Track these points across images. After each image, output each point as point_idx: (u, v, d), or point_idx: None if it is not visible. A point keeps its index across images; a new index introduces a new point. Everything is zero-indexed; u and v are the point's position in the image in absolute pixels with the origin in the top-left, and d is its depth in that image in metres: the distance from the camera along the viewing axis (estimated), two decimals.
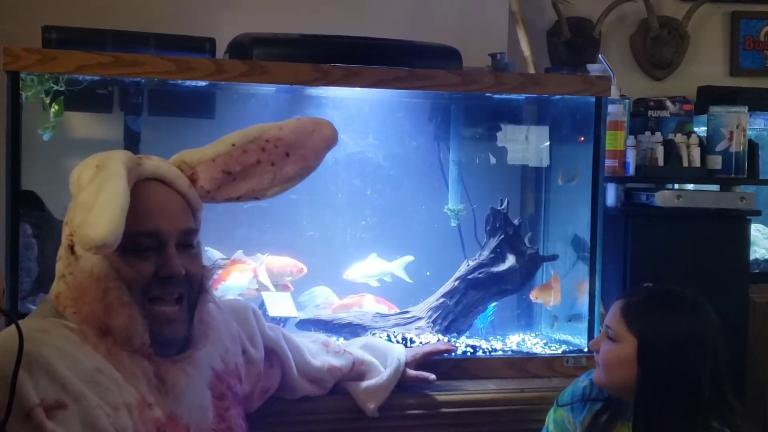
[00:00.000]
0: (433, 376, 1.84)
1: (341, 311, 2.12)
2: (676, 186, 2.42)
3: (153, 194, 1.35)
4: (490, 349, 2.06)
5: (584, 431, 1.61)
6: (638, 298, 1.59)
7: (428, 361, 1.88)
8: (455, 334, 2.08)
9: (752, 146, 2.46)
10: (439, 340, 2.02)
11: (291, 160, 1.49)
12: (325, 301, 2.15)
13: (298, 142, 1.49)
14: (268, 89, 2.05)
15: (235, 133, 1.48)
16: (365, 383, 1.76)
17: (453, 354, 1.98)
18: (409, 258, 2.20)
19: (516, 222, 2.14)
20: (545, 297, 2.21)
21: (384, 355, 1.81)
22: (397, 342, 1.98)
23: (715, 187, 2.44)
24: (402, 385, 1.80)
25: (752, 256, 2.55)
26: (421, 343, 2.00)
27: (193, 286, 1.38)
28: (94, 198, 1.22)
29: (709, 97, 2.67)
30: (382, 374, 1.77)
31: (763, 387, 2.50)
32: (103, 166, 1.28)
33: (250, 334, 1.60)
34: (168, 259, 1.32)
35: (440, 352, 1.92)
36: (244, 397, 1.56)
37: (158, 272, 1.32)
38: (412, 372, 1.82)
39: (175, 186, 1.39)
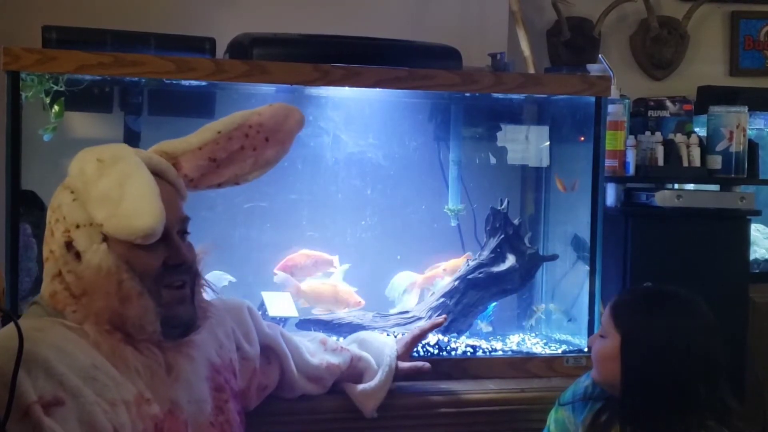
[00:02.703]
0: (427, 365, 1.82)
1: (427, 284, 2.16)
2: (676, 186, 2.42)
3: None
4: (490, 349, 2.06)
5: (585, 430, 1.61)
6: (628, 297, 1.63)
7: (428, 358, 1.88)
8: (455, 334, 2.08)
9: (752, 146, 2.46)
10: (439, 340, 2.02)
11: (270, 144, 1.54)
12: (410, 284, 2.18)
13: (276, 127, 1.54)
14: (268, 89, 2.05)
15: (219, 121, 1.51)
16: (361, 386, 1.76)
17: (453, 353, 1.97)
18: (346, 266, 2.18)
19: (516, 222, 2.14)
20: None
21: (376, 352, 1.80)
22: None
23: (715, 187, 2.43)
24: (398, 379, 1.78)
25: (752, 256, 2.55)
26: (420, 342, 1.99)
27: (193, 272, 1.42)
28: (119, 190, 1.27)
29: (709, 97, 2.67)
30: (376, 376, 1.77)
31: (763, 387, 2.50)
32: (112, 159, 1.32)
33: (246, 331, 1.61)
34: (175, 247, 1.36)
35: (427, 331, 1.89)
36: (240, 393, 1.56)
37: (167, 261, 1.35)
38: (404, 365, 1.80)
39: (166, 176, 1.41)
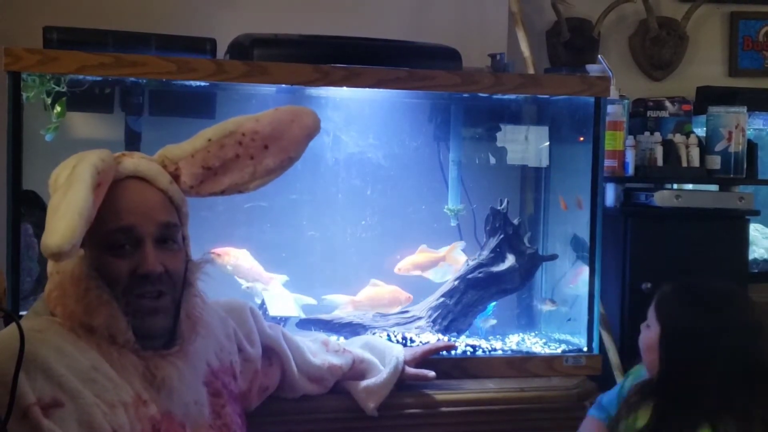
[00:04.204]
0: (432, 374, 1.85)
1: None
2: (675, 186, 2.43)
3: (130, 192, 1.35)
4: (490, 349, 2.06)
5: (622, 401, 1.64)
6: (670, 288, 1.64)
7: (428, 359, 1.89)
8: (455, 334, 2.09)
9: (751, 146, 2.46)
10: (439, 339, 2.03)
11: (270, 152, 1.48)
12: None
13: (276, 134, 1.48)
14: (268, 89, 2.05)
15: (211, 128, 1.47)
16: (364, 382, 1.77)
17: (452, 353, 1.98)
18: (284, 278, 2.15)
19: (516, 222, 2.14)
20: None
21: (383, 353, 1.82)
22: (397, 342, 1.98)
23: (714, 187, 2.44)
24: (402, 383, 1.80)
25: (751, 256, 2.55)
26: (421, 342, 2.00)
27: (176, 282, 1.38)
28: (58, 203, 1.22)
29: (708, 98, 2.68)
30: (381, 373, 1.78)
31: None
32: (75, 168, 1.27)
33: (248, 332, 1.60)
34: (144, 256, 1.32)
35: (439, 350, 1.92)
36: (241, 395, 1.56)
37: (136, 270, 1.32)
38: (411, 370, 1.83)
39: (156, 183, 1.39)
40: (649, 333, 1.61)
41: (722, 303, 1.56)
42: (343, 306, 2.13)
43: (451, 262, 2.22)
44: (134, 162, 1.38)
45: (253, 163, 1.47)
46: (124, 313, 1.31)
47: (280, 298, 2.08)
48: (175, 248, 1.39)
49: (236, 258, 2.08)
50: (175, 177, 1.43)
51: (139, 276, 1.32)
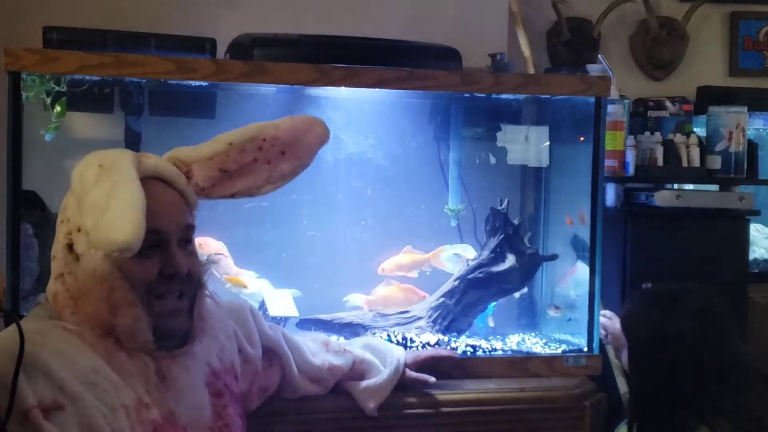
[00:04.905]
0: (432, 379, 1.85)
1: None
2: (676, 186, 2.43)
3: (154, 193, 1.35)
4: (490, 349, 2.06)
5: None
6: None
7: (428, 361, 1.89)
8: (455, 334, 2.09)
9: (751, 146, 2.46)
10: (439, 340, 2.03)
11: (286, 158, 1.52)
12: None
13: (293, 141, 1.52)
14: (268, 89, 2.05)
15: (232, 132, 1.49)
16: (365, 383, 1.77)
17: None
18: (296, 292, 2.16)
19: (516, 222, 2.14)
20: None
21: (384, 355, 1.82)
22: (397, 342, 1.98)
23: (715, 187, 2.44)
24: (401, 386, 1.80)
25: (751, 256, 2.56)
26: (421, 342, 2.00)
27: (193, 283, 1.39)
28: (107, 200, 1.23)
29: (708, 98, 2.68)
30: (381, 374, 1.78)
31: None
32: (110, 166, 1.30)
33: (248, 333, 1.61)
34: (172, 257, 1.34)
35: (441, 358, 1.92)
36: (242, 395, 1.56)
37: (162, 271, 1.33)
38: (411, 373, 1.82)
39: (174, 184, 1.40)
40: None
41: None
42: (360, 305, 2.13)
43: (436, 264, 2.21)
44: (154, 163, 1.39)
45: (268, 168, 1.50)
46: (146, 314, 1.31)
47: (276, 296, 2.08)
48: (191, 249, 1.41)
49: (214, 249, 2.09)
50: (187, 179, 1.44)
51: (166, 276, 1.33)
